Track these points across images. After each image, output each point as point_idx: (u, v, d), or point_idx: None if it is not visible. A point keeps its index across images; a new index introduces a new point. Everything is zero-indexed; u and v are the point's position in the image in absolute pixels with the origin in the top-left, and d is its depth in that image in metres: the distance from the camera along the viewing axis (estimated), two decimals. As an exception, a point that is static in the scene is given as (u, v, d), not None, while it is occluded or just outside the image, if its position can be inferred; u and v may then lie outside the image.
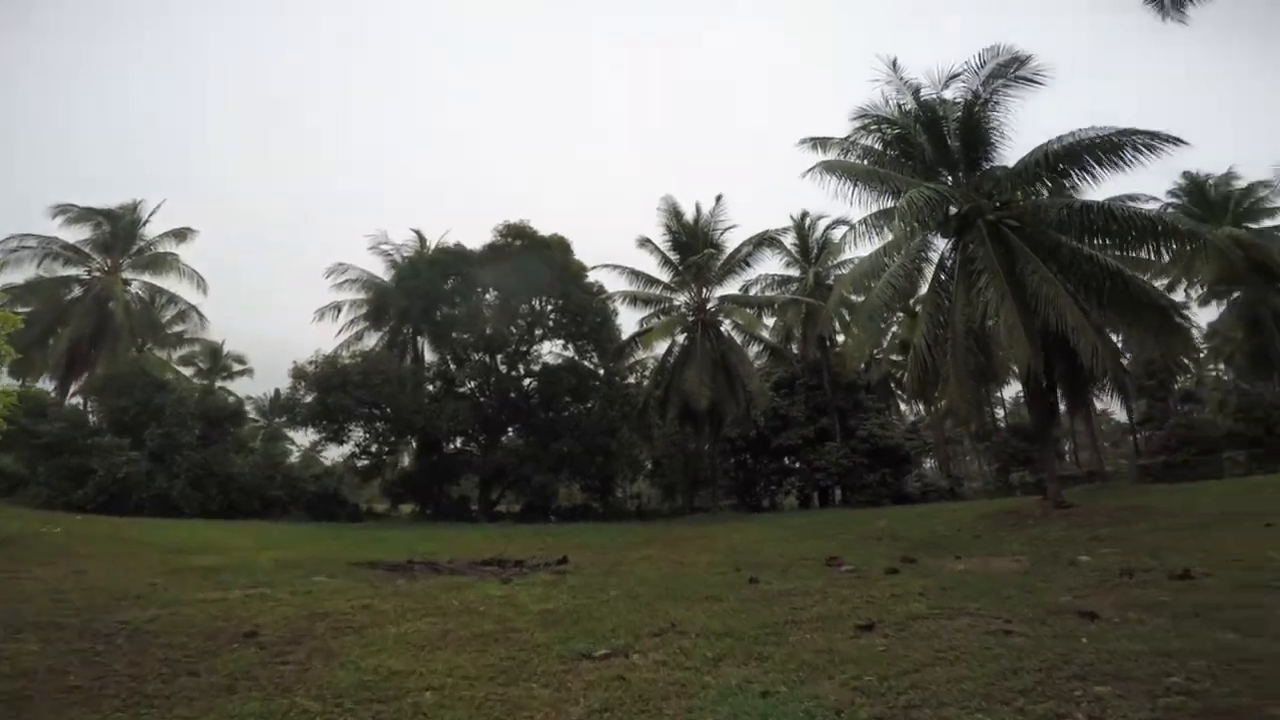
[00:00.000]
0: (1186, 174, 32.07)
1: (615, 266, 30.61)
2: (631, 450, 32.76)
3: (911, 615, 6.51)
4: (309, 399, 27.85)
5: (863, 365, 40.39)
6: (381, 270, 33.32)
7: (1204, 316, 35.03)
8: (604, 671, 4.97)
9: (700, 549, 14.86)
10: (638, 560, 12.85)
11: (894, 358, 46.10)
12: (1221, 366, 41.94)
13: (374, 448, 29.45)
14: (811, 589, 8.60)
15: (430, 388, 31.22)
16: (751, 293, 32.26)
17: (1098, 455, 36.33)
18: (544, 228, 30.96)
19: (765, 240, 30.72)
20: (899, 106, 17.82)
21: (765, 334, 32.61)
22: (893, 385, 47.09)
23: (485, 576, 10.47)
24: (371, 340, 32.30)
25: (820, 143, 18.93)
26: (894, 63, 17.49)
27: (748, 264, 30.80)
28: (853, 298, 28.55)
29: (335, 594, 8.53)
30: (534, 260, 29.43)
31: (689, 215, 30.57)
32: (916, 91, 17.30)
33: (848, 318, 30.54)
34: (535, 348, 32.78)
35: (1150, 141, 14.62)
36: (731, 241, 30.53)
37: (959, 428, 42.59)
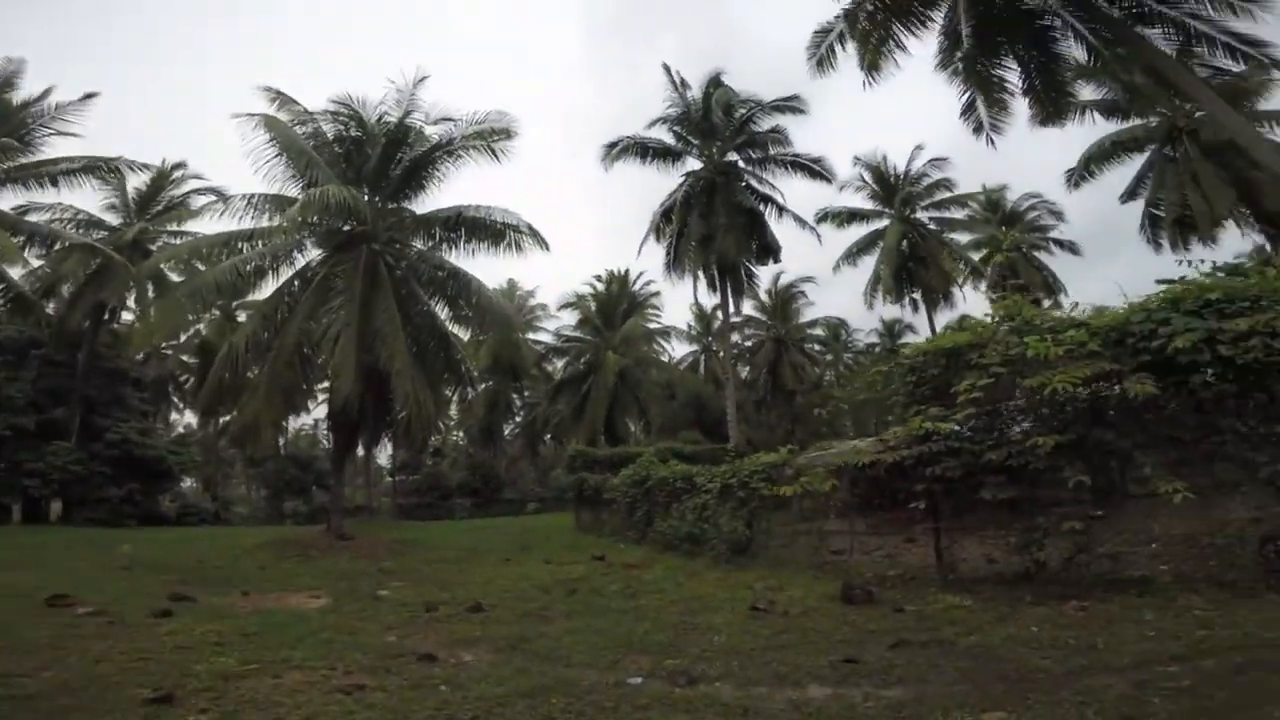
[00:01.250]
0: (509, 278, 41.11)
1: None
2: None
3: (222, 674, 4.98)
4: None
5: (142, 355, 33.01)
6: None
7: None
8: None
9: None
10: None
11: (185, 358, 39.62)
12: (461, 434, 53.69)
13: None
14: (37, 643, 5.69)
15: None
16: (32, 218, 21.94)
17: (369, 491, 39.88)
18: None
19: (98, 167, 22.03)
20: (382, 115, 16.93)
21: (17, 275, 22.17)
22: (173, 388, 40.00)
23: None
24: None
25: (284, 100, 16.88)
26: (421, 80, 16.67)
27: (53, 184, 21.18)
28: (172, 275, 23.20)
29: None
30: None
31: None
32: (407, 113, 16.77)
33: (152, 293, 24.43)
34: None
35: (522, 240, 17.41)
36: (58, 152, 21.23)
37: (235, 447, 39.14)
